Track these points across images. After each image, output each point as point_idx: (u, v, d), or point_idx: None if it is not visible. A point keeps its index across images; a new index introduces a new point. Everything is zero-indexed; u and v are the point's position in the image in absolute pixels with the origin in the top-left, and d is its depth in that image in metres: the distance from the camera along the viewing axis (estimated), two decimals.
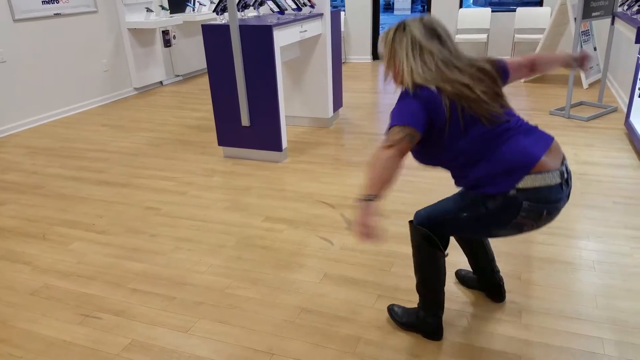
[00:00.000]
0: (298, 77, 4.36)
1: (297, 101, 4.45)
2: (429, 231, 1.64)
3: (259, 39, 3.34)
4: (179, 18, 6.24)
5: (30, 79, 4.82)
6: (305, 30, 3.85)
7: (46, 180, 3.48)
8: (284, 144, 3.67)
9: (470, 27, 6.80)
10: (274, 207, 2.95)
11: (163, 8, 6.19)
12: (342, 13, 7.40)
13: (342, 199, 3.00)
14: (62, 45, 5.12)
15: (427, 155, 1.58)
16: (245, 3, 3.93)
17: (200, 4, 6.82)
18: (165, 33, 6.38)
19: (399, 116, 1.45)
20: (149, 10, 5.98)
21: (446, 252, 1.70)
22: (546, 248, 2.37)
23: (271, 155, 3.69)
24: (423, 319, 1.80)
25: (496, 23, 6.76)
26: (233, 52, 3.39)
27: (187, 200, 3.09)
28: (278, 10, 3.91)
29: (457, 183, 1.60)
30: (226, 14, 3.52)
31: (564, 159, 1.49)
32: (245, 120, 3.61)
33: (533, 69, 1.75)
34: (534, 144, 1.45)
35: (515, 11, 6.59)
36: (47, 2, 4.91)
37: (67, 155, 3.99)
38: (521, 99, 5.08)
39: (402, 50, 1.52)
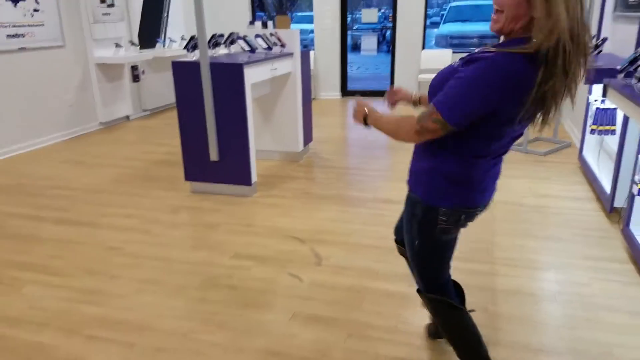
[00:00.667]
0: (269, 112, 4.37)
1: (268, 135, 4.45)
2: (439, 294, 1.53)
3: (229, 76, 3.35)
4: (148, 54, 6.23)
5: None
6: (276, 69, 3.89)
7: (1, 220, 3.30)
8: (254, 178, 3.63)
9: (432, 67, 7.05)
10: (242, 243, 2.87)
11: (133, 44, 6.17)
12: (312, 52, 7.56)
13: (312, 234, 2.96)
14: (26, 80, 5.00)
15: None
16: (216, 41, 3.96)
17: (170, 40, 6.84)
18: (134, 68, 6.34)
19: (456, 103, 1.19)
20: (118, 45, 5.95)
21: (470, 309, 1.61)
22: (510, 280, 2.40)
23: (240, 190, 3.64)
24: None
25: None
26: (203, 88, 3.37)
27: (151, 238, 2.98)
28: (249, 49, 3.95)
29: (416, 166, 1.43)
30: (197, 51, 3.52)
31: None
32: (214, 155, 3.56)
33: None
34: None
35: None
36: (12, 36, 4.82)
37: (26, 192, 3.83)
38: None
39: None
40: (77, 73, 5.61)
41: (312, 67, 7.47)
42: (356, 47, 8.46)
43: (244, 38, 3.99)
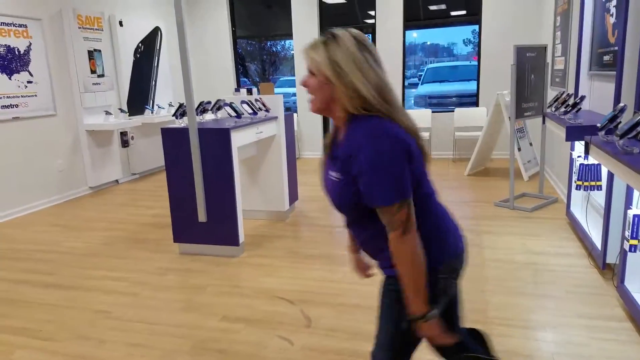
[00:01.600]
0: (255, 173, 4.52)
1: (255, 195, 4.57)
2: None
3: (217, 141, 3.52)
4: (137, 120, 6.44)
5: None
6: (261, 132, 4.09)
7: None
8: (241, 238, 3.71)
9: None
10: (231, 305, 2.91)
11: (122, 111, 6.40)
12: (295, 115, 7.88)
13: (301, 294, 3.01)
14: (18, 147, 5.12)
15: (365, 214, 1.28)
16: (203, 108, 4.17)
17: (158, 107, 7.10)
18: (123, 134, 6.52)
19: (392, 184, 1.18)
20: (107, 113, 6.16)
21: None
22: (506, 340, 2.39)
23: (228, 250, 3.70)
24: None
25: (437, 122, 7.37)
26: (192, 153, 3.53)
27: (139, 301, 3.01)
28: (235, 114, 4.16)
29: (378, 255, 1.36)
30: (185, 118, 3.71)
31: None
32: (202, 216, 3.65)
33: None
34: None
35: (453, 111, 7.25)
36: (7, 107, 5.00)
37: (13, 257, 3.84)
38: (465, 191, 5.42)
39: (352, 64, 1.23)
40: (68, 139, 5.76)
41: (295, 128, 7.77)
42: None
43: (230, 104, 4.22)
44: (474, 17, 7.14)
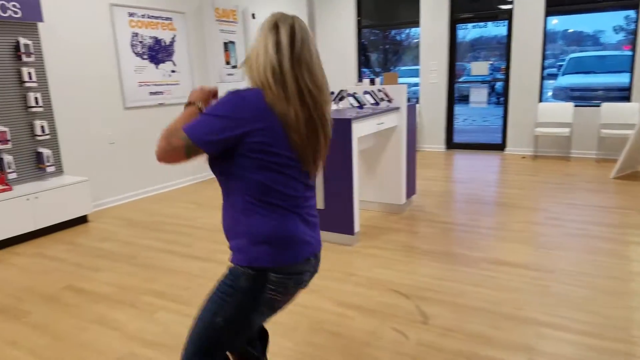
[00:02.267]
0: (372, 164, 4.53)
1: (371, 187, 4.59)
2: None
3: (338, 131, 3.58)
4: None
5: (133, 159, 5.40)
6: (382, 123, 4.07)
7: (138, 251, 3.78)
8: (357, 228, 3.75)
9: (551, 120, 6.76)
10: (345, 291, 2.97)
11: None
12: (417, 106, 7.70)
13: (416, 290, 2.96)
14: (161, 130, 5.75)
15: None
16: None
17: None
18: None
19: (199, 122, 1.31)
20: None
21: None
22: None
23: (343, 239, 3.77)
24: None
25: (580, 117, 6.67)
26: None
27: None
28: (358, 104, 4.19)
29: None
30: None
31: None
32: (320, 203, 3.77)
33: None
34: None
35: (600, 106, 6.50)
36: (154, 94, 5.62)
37: (158, 228, 4.33)
38: (609, 196, 4.86)
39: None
40: None
41: (417, 119, 7.60)
42: (463, 99, 8.44)
43: (353, 95, 4.25)
44: (630, 1, 6.29)
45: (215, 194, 5.50)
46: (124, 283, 3.20)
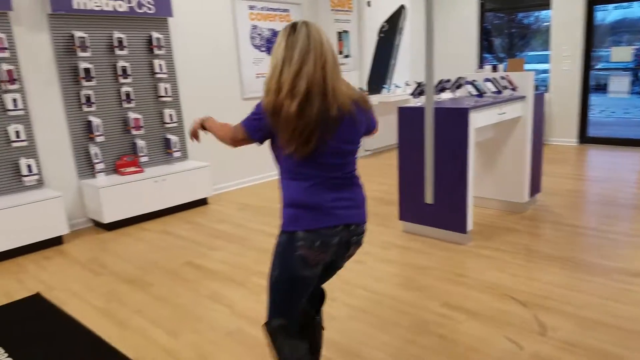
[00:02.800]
0: (491, 158, 4.19)
1: (488, 182, 4.25)
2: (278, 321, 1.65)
3: (453, 121, 3.36)
4: (375, 99, 6.72)
5: (250, 146, 5.65)
6: (504, 113, 3.73)
7: (250, 234, 3.95)
8: (469, 226, 3.51)
9: None
10: (454, 293, 2.78)
11: (362, 90, 6.75)
12: (546, 95, 7.00)
13: (534, 297, 2.67)
14: None
15: None
16: (442, 86, 4.03)
17: (395, 86, 7.25)
18: None
19: (246, 119, 1.74)
20: None
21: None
22: None
23: (453, 236, 3.55)
24: None
25: None
26: (425, 132, 3.46)
27: (363, 269, 3.14)
28: (477, 93, 3.90)
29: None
30: (422, 97, 3.65)
31: None
32: (429, 198, 3.58)
33: None
34: None
35: None
36: None
37: (269, 214, 4.49)
38: None
39: None
40: None
41: (545, 110, 6.92)
42: (600, 87, 7.49)
43: (472, 82, 3.96)
44: None
45: None
46: (236, 263, 3.36)
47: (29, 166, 3.87)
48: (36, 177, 3.93)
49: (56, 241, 3.87)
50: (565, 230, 3.65)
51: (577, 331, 2.32)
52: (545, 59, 7.34)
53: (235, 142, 1.72)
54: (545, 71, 7.30)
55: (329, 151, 1.52)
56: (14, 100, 3.76)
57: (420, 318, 2.52)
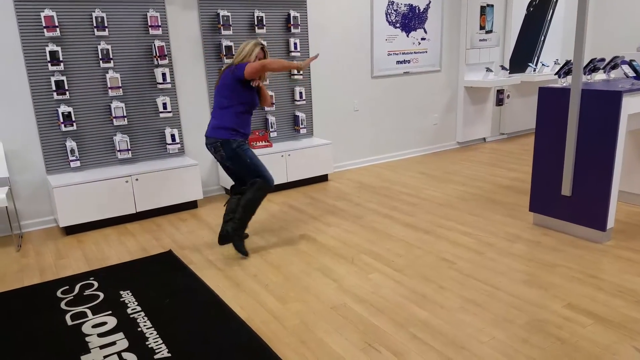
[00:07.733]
0: None
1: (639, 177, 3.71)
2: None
3: (602, 105, 2.97)
4: (517, 78, 6.21)
5: (372, 127, 5.67)
6: None
7: (365, 213, 3.99)
8: (610, 223, 3.11)
9: None
10: (582, 294, 2.51)
11: (503, 68, 6.28)
12: None
13: None
14: (404, 100, 5.83)
15: None
16: (594, 66, 3.57)
17: (542, 64, 6.59)
18: (499, 92, 6.44)
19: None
20: (488, 70, 6.16)
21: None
22: None
23: (590, 233, 3.18)
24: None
25: None
26: (569, 116, 3.12)
27: (482, 261, 2.99)
28: (634, 75, 3.38)
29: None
30: (569, 77, 3.28)
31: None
32: (566, 189, 3.24)
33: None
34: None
35: None
36: (401, 62, 5.71)
37: (385, 194, 4.49)
38: None
39: None
40: (446, 95, 6.15)
41: None
42: None
43: (629, 62, 3.45)
44: None
45: (445, 167, 5.35)
46: (348, 240, 3.44)
47: (172, 135, 4.37)
48: (178, 145, 4.41)
49: (191, 205, 4.34)
50: None
51: None
52: None
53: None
54: None
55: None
56: (163, 74, 4.22)
57: (539, 317, 2.33)
